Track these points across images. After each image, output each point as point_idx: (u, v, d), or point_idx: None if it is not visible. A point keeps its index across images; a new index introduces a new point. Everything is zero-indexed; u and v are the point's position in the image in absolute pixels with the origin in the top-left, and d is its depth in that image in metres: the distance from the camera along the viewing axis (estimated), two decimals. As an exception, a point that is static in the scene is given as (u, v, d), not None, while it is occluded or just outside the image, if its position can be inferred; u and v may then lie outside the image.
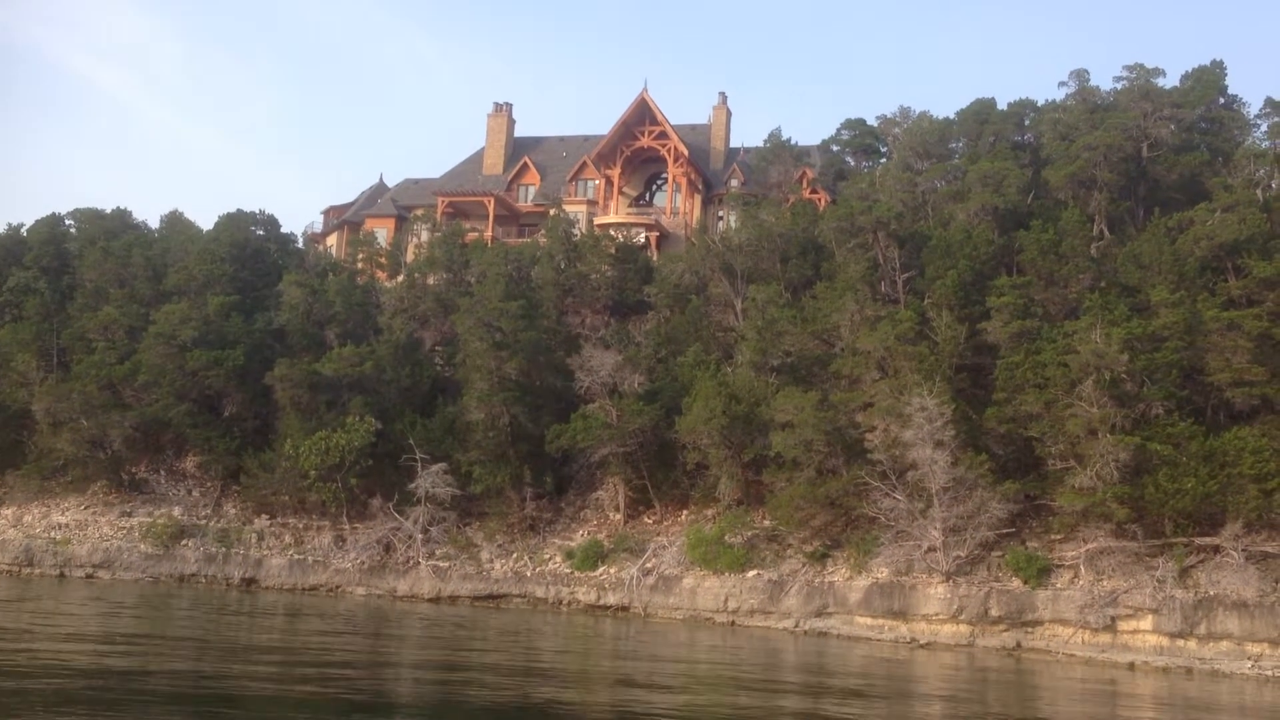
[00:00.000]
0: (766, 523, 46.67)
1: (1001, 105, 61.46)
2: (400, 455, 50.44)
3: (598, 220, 68.27)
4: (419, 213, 71.74)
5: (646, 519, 50.35)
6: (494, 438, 49.96)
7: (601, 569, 47.50)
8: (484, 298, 53.28)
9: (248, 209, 66.14)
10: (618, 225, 66.90)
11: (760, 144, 70.40)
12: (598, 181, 71.98)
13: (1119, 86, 58.12)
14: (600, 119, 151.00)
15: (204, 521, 52.89)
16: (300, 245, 71.96)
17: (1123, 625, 39.24)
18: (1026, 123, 61.22)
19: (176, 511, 52.80)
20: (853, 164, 67.56)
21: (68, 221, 68.14)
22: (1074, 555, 41.15)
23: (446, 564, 48.93)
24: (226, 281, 59.71)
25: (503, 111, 77.59)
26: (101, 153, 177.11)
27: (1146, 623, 38.92)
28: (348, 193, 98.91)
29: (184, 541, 51.38)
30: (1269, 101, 55.06)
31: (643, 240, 66.65)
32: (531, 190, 74.34)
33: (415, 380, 54.75)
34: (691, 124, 74.18)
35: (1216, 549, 39.54)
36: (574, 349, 53.16)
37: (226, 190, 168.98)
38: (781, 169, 67.34)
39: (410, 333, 59.27)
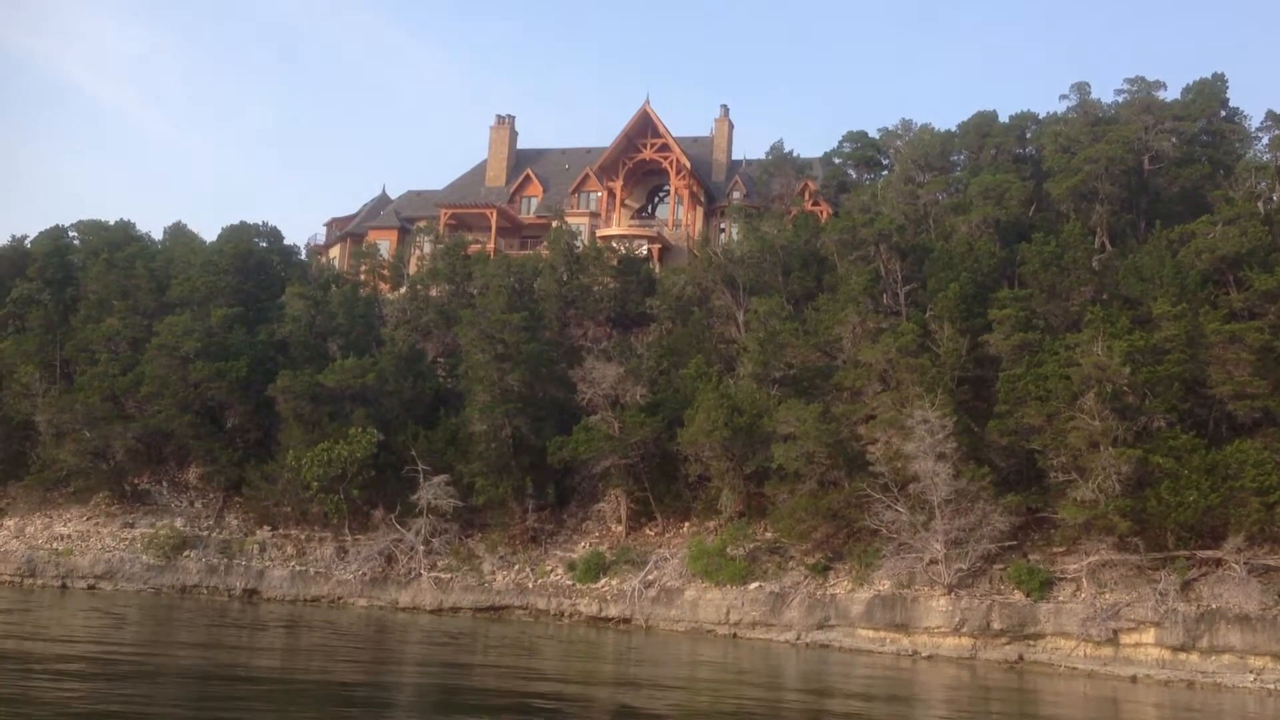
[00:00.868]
0: (768, 535, 46.66)
1: (1003, 118, 61.57)
2: (402, 467, 50.52)
3: (600, 232, 68.38)
4: (422, 224, 71.88)
5: (648, 531, 50.33)
6: (496, 449, 49.99)
7: (603, 581, 47.48)
8: (486, 309, 53.38)
9: (251, 221, 66.35)
10: (620, 237, 67.03)
11: (762, 156, 70.59)
12: (600, 194, 72.13)
13: (1120, 99, 58.24)
14: (603, 131, 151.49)
15: (206, 533, 52.89)
16: (303, 257, 72.17)
17: (1125, 638, 39.19)
18: (1028, 135, 61.27)
19: (179, 522, 52.79)
20: (854, 176, 67.61)
21: (71, 233, 68.24)
22: (1076, 568, 41.10)
23: (448, 576, 48.92)
24: (229, 293, 59.78)
25: (505, 124, 77.79)
26: (105, 165, 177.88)
27: (1149, 636, 38.88)
28: (350, 204, 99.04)
29: (186, 553, 51.37)
30: (1270, 114, 55.10)
31: (645, 252, 66.75)
32: (534, 202, 74.49)
33: (417, 392, 54.81)
34: (693, 136, 74.38)
35: (1218, 562, 39.51)
36: (576, 361, 53.22)
37: (229, 202, 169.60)
38: (783, 181, 67.49)
39: (413, 344, 59.34)
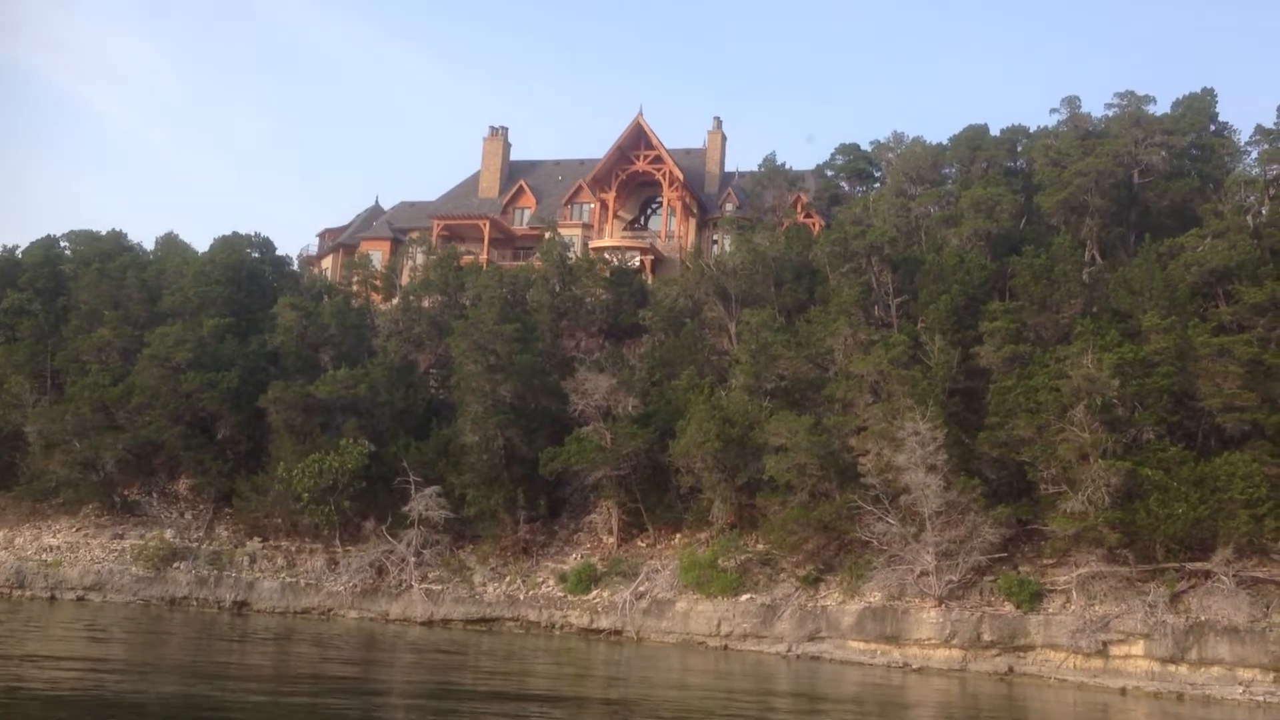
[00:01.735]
0: (760, 547, 46.66)
1: (994, 131, 61.83)
2: (394, 478, 50.45)
3: (593, 244, 68.51)
4: (414, 235, 71.92)
5: (640, 542, 50.31)
6: (488, 460, 49.96)
7: (594, 592, 47.43)
8: (479, 320, 53.40)
9: (243, 231, 66.31)
10: (613, 249, 67.13)
11: (755, 168, 70.74)
12: (593, 205, 72.27)
13: (1110, 113, 58.49)
14: (596, 143, 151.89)
15: (196, 544, 52.74)
16: (295, 267, 72.09)
17: (1114, 650, 39.22)
18: (1019, 149, 61.52)
19: (168, 534, 52.65)
20: (847, 188, 67.87)
21: (63, 243, 68.23)
22: (1066, 580, 41.17)
23: (439, 587, 48.82)
24: (221, 304, 59.71)
25: (499, 135, 77.91)
26: (98, 175, 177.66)
27: (1138, 648, 38.93)
28: (343, 215, 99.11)
29: (176, 564, 51.22)
30: (1259, 129, 55.35)
31: (637, 264, 66.86)
32: (527, 213, 74.62)
33: (409, 403, 54.79)
34: (686, 148, 74.58)
35: (1208, 574, 39.60)
36: (568, 372, 53.23)
37: (222, 213, 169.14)
38: (776, 193, 67.65)
39: (405, 355, 59.33)
